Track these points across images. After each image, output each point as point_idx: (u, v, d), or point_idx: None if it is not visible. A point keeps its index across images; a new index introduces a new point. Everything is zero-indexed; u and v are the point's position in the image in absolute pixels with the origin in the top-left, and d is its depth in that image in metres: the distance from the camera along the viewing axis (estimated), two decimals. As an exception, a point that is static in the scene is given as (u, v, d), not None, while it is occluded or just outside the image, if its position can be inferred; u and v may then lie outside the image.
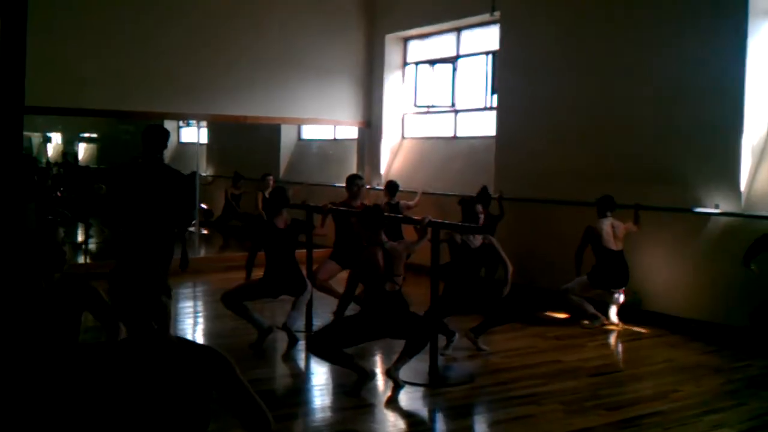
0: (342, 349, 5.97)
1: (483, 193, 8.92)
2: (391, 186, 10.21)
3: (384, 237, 6.07)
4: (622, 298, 8.18)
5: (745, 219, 7.61)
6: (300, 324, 7.67)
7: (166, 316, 2.70)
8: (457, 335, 7.11)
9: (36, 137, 14.18)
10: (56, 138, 15.10)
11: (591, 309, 8.15)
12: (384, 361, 6.58)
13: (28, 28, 6.57)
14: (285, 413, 5.50)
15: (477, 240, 7.03)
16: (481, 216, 7.18)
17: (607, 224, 8.04)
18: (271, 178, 13.11)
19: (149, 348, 2.64)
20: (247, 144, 14.64)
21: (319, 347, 5.96)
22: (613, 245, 8.02)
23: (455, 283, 7.00)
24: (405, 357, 6.02)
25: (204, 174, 14.27)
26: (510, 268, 7.02)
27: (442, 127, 12.27)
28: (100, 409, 2.55)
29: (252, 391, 2.79)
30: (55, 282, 4.07)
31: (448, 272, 7.04)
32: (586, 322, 8.18)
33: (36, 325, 3.90)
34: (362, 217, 6.22)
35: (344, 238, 8.30)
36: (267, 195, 12.55)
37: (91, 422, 2.55)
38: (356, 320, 6.11)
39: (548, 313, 8.81)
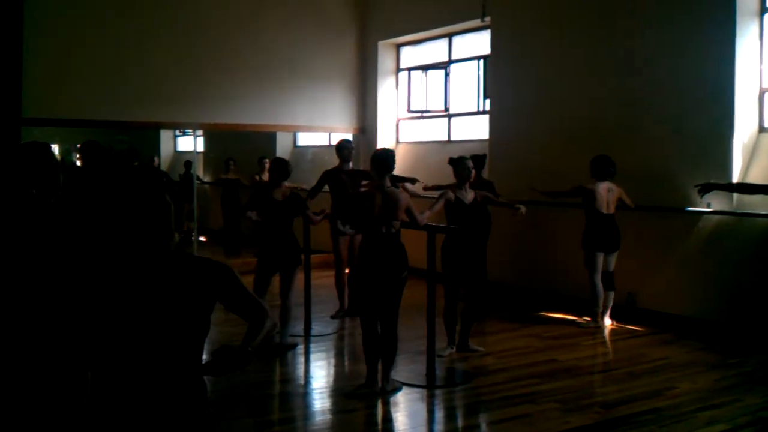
0: (371, 309, 5.95)
1: (478, 156, 8.76)
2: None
3: (388, 182, 5.99)
4: (612, 299, 8.24)
5: (737, 217, 7.70)
6: (297, 329, 7.74)
7: (169, 216, 2.77)
8: (455, 347, 7.17)
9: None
10: (53, 148, 15.16)
11: (600, 308, 8.19)
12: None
13: (24, 41, 6.60)
14: (285, 416, 5.58)
15: (470, 195, 7.15)
16: (473, 171, 7.24)
17: (602, 187, 8.05)
18: (267, 161, 12.89)
19: (153, 258, 2.72)
20: (243, 151, 14.66)
21: (361, 323, 6.01)
22: (605, 209, 8.04)
23: (454, 244, 7.07)
24: (387, 365, 6.01)
25: (199, 182, 14.28)
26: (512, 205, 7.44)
27: (436, 131, 12.34)
28: (109, 315, 2.63)
29: (249, 290, 2.97)
30: (52, 206, 4.06)
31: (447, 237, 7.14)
32: (587, 318, 8.24)
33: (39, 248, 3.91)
34: (372, 157, 6.12)
35: (341, 206, 8.29)
36: (263, 178, 12.49)
37: (99, 328, 2.64)
38: (358, 269, 6.04)
39: (544, 313, 8.88)
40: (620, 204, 8.15)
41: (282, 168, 7.29)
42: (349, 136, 13.04)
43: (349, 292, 6.08)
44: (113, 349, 2.66)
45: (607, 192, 8.05)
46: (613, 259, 8.18)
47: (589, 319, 8.25)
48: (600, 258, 8.16)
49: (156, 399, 2.65)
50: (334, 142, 13.94)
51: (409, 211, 6.05)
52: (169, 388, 2.68)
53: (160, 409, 2.66)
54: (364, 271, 5.92)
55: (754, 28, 7.88)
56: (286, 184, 7.34)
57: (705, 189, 6.72)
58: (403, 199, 5.96)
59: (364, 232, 6.01)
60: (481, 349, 7.26)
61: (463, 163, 7.15)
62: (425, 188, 9.27)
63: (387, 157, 6.04)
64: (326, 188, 8.76)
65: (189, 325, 2.72)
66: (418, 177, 9.43)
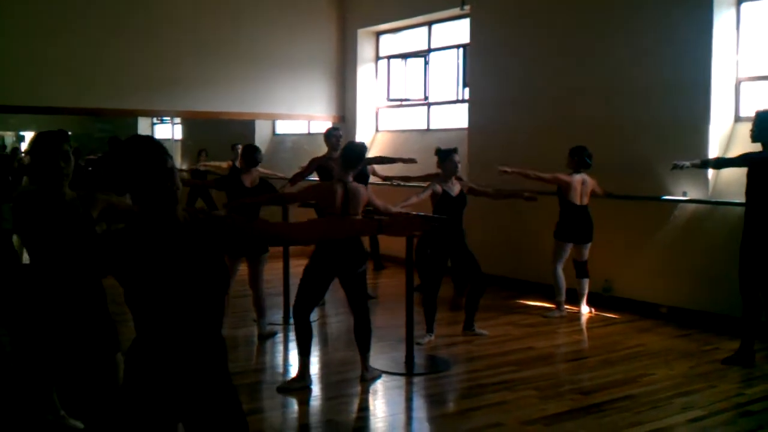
0: (316, 304, 5.95)
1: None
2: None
3: (350, 177, 5.89)
4: (587, 286, 8.29)
5: (712, 206, 7.77)
6: (276, 318, 7.75)
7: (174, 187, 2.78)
8: (433, 335, 7.21)
9: (9, 136, 14.09)
10: (30, 137, 15.03)
11: (562, 297, 8.25)
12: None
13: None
14: (264, 405, 5.57)
15: (456, 188, 7.21)
16: (459, 164, 7.30)
17: (577, 179, 8.06)
18: (240, 146, 12.74)
19: (164, 222, 2.78)
20: (221, 139, 14.58)
21: (297, 315, 5.88)
22: (578, 200, 8.06)
23: (441, 234, 7.13)
24: (364, 353, 6.01)
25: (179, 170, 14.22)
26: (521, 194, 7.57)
27: (415, 119, 12.37)
28: (135, 283, 2.72)
29: (250, 223, 2.99)
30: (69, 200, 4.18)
31: (433, 229, 7.20)
32: (547, 313, 8.27)
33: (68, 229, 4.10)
34: (345, 149, 6.06)
35: None
36: (237, 164, 12.44)
37: (133, 292, 2.74)
38: (313, 259, 5.86)
39: (521, 301, 8.93)
40: (592, 194, 8.18)
41: (251, 154, 7.27)
42: (329, 125, 13.04)
43: (301, 285, 5.93)
44: (147, 310, 2.76)
45: (581, 184, 8.07)
46: (586, 250, 8.23)
47: (554, 306, 8.30)
48: (568, 249, 8.21)
49: (187, 354, 2.78)
50: (314, 130, 14.00)
51: (371, 205, 6.02)
52: (198, 343, 2.81)
53: (192, 362, 2.79)
54: (321, 266, 5.81)
55: (731, 17, 7.92)
56: (262, 170, 7.32)
57: (676, 167, 7.05)
58: (364, 194, 5.90)
59: None
60: (486, 332, 7.40)
61: (451, 157, 7.20)
62: (402, 180, 9.33)
63: (356, 152, 5.99)
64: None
65: (207, 279, 2.80)
66: (396, 166, 9.45)
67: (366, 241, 6.50)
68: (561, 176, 8.07)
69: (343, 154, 6.00)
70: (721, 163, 7.00)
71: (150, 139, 2.83)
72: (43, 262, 4.16)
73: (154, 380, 2.76)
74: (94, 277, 3.43)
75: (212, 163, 13.60)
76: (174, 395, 2.77)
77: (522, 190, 7.66)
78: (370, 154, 12.06)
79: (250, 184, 7.19)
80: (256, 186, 7.21)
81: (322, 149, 8.68)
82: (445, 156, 7.24)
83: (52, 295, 4.12)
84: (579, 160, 8.04)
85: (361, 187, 5.96)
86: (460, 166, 7.34)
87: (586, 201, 8.10)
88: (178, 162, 14.55)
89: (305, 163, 8.82)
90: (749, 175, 6.39)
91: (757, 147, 6.39)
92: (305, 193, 6.21)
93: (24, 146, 14.75)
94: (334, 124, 12.87)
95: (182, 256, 2.75)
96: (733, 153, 7.81)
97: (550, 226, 8.29)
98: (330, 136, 8.67)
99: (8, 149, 13.72)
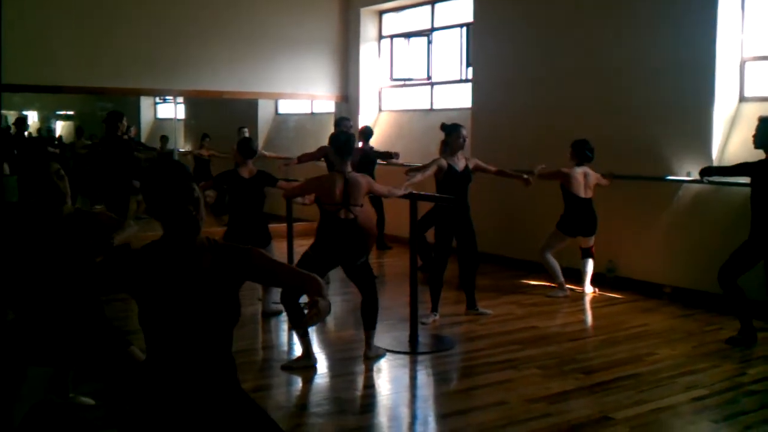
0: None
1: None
2: (365, 131, 10.31)
3: (349, 167, 5.92)
4: (591, 266, 8.31)
5: (716, 186, 7.75)
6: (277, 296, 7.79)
7: (199, 205, 2.84)
8: (438, 315, 7.23)
9: (12, 115, 14.09)
10: (33, 116, 15.02)
11: (561, 278, 8.26)
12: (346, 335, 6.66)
13: (2, 7, 6.53)
14: (268, 383, 5.60)
15: (461, 163, 7.20)
16: (466, 139, 7.29)
17: (579, 172, 8.05)
18: (246, 130, 12.77)
19: (184, 248, 2.84)
20: (224, 119, 14.60)
21: (285, 301, 5.92)
22: (582, 193, 8.05)
23: (446, 212, 7.14)
24: (369, 330, 6.04)
25: (182, 150, 14.21)
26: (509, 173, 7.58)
27: (418, 99, 12.34)
28: (148, 305, 2.79)
29: (284, 265, 3.17)
30: (65, 216, 4.16)
31: (437, 208, 7.29)
32: (550, 293, 8.30)
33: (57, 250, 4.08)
34: (332, 140, 6.03)
35: None
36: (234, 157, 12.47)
37: (145, 313, 2.81)
38: (312, 249, 5.93)
39: (525, 281, 8.96)
40: (598, 186, 8.17)
41: (248, 147, 7.30)
42: (332, 104, 13.04)
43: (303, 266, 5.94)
44: (158, 332, 2.82)
45: (583, 177, 8.05)
46: (591, 240, 8.24)
47: (556, 286, 8.31)
48: (565, 242, 8.25)
49: (194, 375, 2.83)
50: (317, 110, 13.99)
51: (372, 193, 6.14)
52: (205, 366, 2.85)
53: (201, 384, 2.83)
54: (320, 256, 5.84)
55: (736, -3, 7.89)
56: (266, 153, 7.34)
57: (704, 173, 6.96)
58: (364, 184, 5.92)
59: (323, 216, 5.97)
60: (489, 311, 7.43)
61: (458, 131, 7.16)
62: (408, 172, 9.34)
63: (342, 140, 5.97)
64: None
65: (220, 310, 2.86)
66: (399, 146, 9.46)
67: (373, 220, 6.53)
68: (562, 170, 8.06)
69: (333, 147, 5.96)
70: (720, 171, 6.96)
71: (180, 167, 2.89)
72: (32, 281, 4.07)
73: (164, 403, 2.80)
74: (91, 294, 3.46)
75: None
76: (184, 417, 2.80)
77: (523, 173, 7.61)
78: (373, 139, 12.04)
79: (248, 175, 7.21)
80: (254, 176, 7.22)
81: (325, 129, 8.71)
82: (451, 130, 7.21)
83: (43, 317, 4.05)
84: (579, 153, 8.03)
85: (360, 176, 5.96)
86: (467, 141, 7.32)
87: (590, 194, 8.09)
88: (181, 143, 14.57)
89: (308, 142, 8.85)
90: (752, 185, 6.37)
91: (760, 154, 6.38)
92: (306, 186, 6.25)
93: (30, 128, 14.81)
94: (336, 103, 12.87)
95: (197, 283, 2.80)
96: (737, 133, 7.82)
97: (554, 206, 8.28)
98: (340, 125, 8.70)
99: (13, 130, 13.72)
